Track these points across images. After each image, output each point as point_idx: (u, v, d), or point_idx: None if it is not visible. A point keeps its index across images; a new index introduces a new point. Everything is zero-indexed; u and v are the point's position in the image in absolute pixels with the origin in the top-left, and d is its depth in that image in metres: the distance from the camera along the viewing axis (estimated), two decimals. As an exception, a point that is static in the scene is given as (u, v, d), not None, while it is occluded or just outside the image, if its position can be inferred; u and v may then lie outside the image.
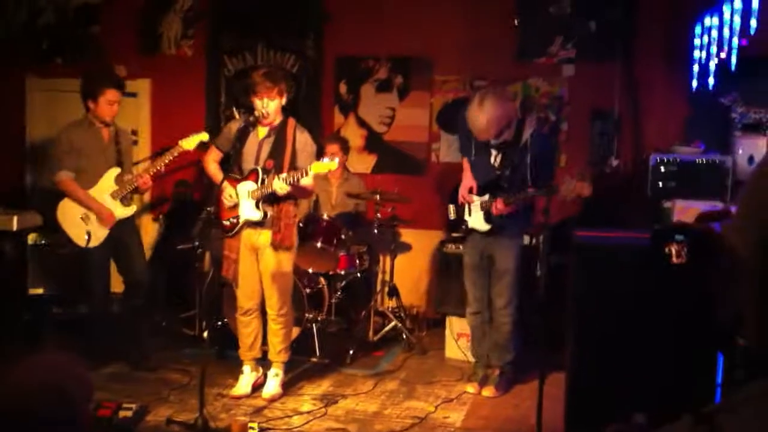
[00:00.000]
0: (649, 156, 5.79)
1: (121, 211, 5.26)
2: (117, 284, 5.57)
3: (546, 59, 6.48)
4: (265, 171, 4.75)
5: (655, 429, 3.19)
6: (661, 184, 5.75)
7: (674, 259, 3.59)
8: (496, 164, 4.93)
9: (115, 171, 5.26)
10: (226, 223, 4.87)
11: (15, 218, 5.74)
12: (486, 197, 4.91)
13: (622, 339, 3.88)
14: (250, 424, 4.23)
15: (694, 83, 5.73)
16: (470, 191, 5.00)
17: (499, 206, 4.78)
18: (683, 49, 5.88)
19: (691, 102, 6.07)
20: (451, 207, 5.19)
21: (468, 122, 4.77)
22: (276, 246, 4.80)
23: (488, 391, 5.02)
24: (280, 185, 4.61)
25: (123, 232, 5.30)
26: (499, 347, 5.06)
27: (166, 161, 5.22)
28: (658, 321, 3.85)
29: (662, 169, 5.75)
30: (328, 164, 4.53)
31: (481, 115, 4.65)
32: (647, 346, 3.85)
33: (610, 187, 6.27)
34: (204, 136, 5.18)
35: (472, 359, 5.34)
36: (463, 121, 4.91)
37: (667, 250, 3.60)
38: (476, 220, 4.99)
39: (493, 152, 4.93)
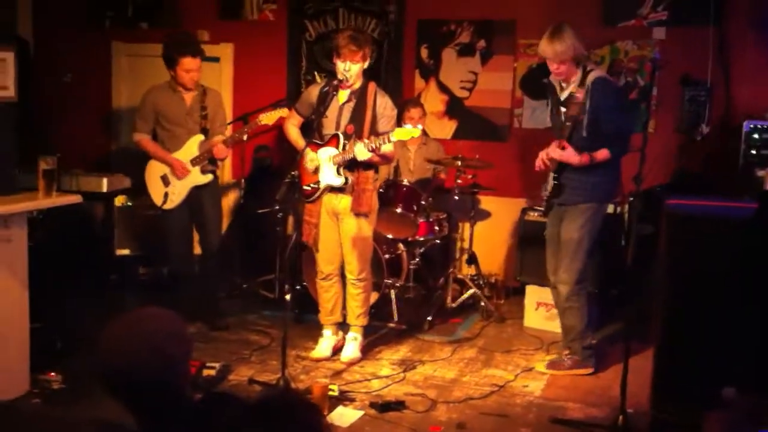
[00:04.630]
0: (742, 123, 5.57)
1: (199, 179, 5.34)
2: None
3: (636, 21, 6.26)
4: (346, 136, 4.73)
5: (746, 403, 3.09)
6: (754, 151, 5.55)
7: None
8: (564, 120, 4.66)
9: (198, 138, 5.33)
10: (307, 188, 4.87)
11: (105, 180, 5.90)
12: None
13: (714, 311, 3.75)
14: (330, 386, 4.26)
15: (790, 48, 5.49)
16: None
17: (552, 150, 4.53)
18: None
19: (786, 67, 5.80)
20: (545, 184, 4.94)
21: (541, 53, 4.65)
22: (355, 212, 4.79)
23: (543, 365, 4.88)
24: (361, 151, 4.58)
25: (202, 198, 5.39)
26: (565, 316, 4.81)
27: (245, 133, 5.30)
28: (754, 293, 3.71)
29: (755, 136, 5.54)
30: (411, 131, 4.47)
31: (554, 43, 4.52)
32: (741, 319, 3.72)
33: (700, 154, 6.06)
34: (284, 113, 5.17)
35: (557, 330, 5.21)
36: (550, 86, 4.80)
37: None
38: (549, 184, 4.75)
39: (563, 108, 4.66)
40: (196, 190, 5.36)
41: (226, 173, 7.24)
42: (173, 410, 2.15)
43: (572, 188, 4.64)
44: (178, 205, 5.34)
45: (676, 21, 6.15)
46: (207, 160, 5.32)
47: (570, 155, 4.53)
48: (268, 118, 5.16)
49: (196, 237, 5.63)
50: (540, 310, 5.63)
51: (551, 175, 4.73)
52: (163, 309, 2.18)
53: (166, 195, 5.30)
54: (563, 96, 4.68)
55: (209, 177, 5.41)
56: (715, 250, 3.78)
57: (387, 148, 4.67)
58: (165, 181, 5.32)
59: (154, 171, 5.36)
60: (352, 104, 4.77)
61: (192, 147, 5.32)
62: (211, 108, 5.41)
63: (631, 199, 5.18)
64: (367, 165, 4.76)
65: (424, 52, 6.89)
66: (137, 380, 2.05)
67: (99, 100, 7.66)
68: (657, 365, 4.03)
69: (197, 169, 5.32)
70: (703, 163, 6.05)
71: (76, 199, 4.57)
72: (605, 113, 4.51)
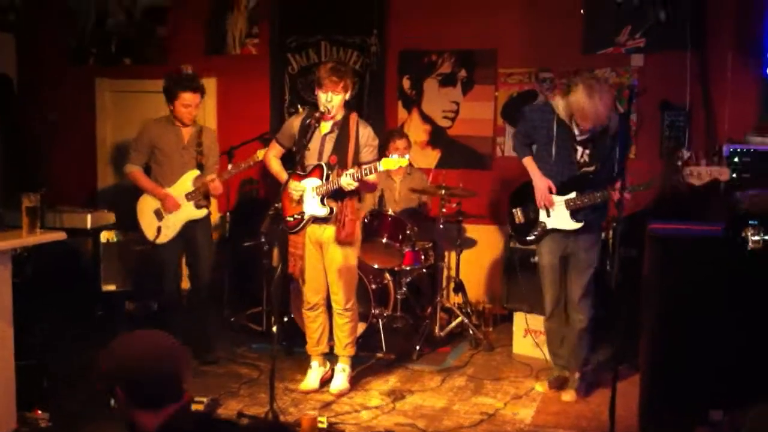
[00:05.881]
0: (722, 147, 5.63)
1: (193, 213, 5.35)
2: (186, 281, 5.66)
3: (614, 49, 6.35)
4: (330, 167, 4.75)
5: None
6: (735, 175, 5.59)
7: (751, 244, 3.53)
8: (583, 159, 4.66)
9: (193, 173, 5.35)
10: (291, 219, 4.88)
11: (89, 217, 5.89)
12: (573, 195, 4.68)
13: (698, 333, 3.78)
14: (319, 419, 4.24)
15: (768, 71, 5.58)
16: (550, 191, 4.76)
17: (627, 197, 4.37)
18: (756, 36, 5.71)
19: (765, 90, 5.87)
20: (518, 211, 4.99)
21: (575, 111, 4.52)
22: (340, 241, 4.81)
23: (569, 396, 4.83)
24: (347, 181, 4.60)
25: (195, 232, 5.40)
26: (576, 346, 4.85)
27: (240, 169, 5.33)
28: (736, 314, 3.75)
29: (736, 159, 5.59)
30: (399, 161, 4.49)
31: (597, 104, 4.40)
32: (725, 340, 3.75)
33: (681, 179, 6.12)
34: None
35: (546, 357, 5.24)
36: (543, 116, 4.75)
37: (743, 234, 3.54)
38: (560, 220, 4.74)
39: (579, 148, 4.66)
40: (190, 225, 5.36)
41: (213, 207, 7.23)
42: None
43: (591, 219, 4.71)
44: (171, 239, 5.34)
45: (653, 47, 6.25)
46: (202, 195, 5.34)
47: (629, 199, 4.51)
48: (263, 154, 5.18)
49: (184, 271, 5.62)
50: (528, 337, 5.64)
51: (560, 211, 4.75)
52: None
53: (159, 229, 5.28)
54: (582, 136, 4.64)
55: (204, 212, 5.42)
56: (697, 273, 3.84)
57: (372, 177, 4.69)
58: (158, 215, 5.31)
59: (147, 205, 5.36)
60: (334, 135, 4.80)
61: (186, 182, 5.33)
62: (207, 145, 5.44)
63: (615, 224, 5.24)
64: (351, 194, 4.78)
65: (406, 83, 6.96)
66: (138, 379, 2.25)
67: (83, 135, 7.67)
68: (644, 389, 4.05)
69: (192, 204, 5.33)
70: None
71: (59, 236, 4.57)
72: (625, 150, 4.68)
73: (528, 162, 4.89)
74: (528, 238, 4.94)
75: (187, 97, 5.26)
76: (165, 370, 2.29)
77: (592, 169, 4.66)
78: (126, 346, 2.32)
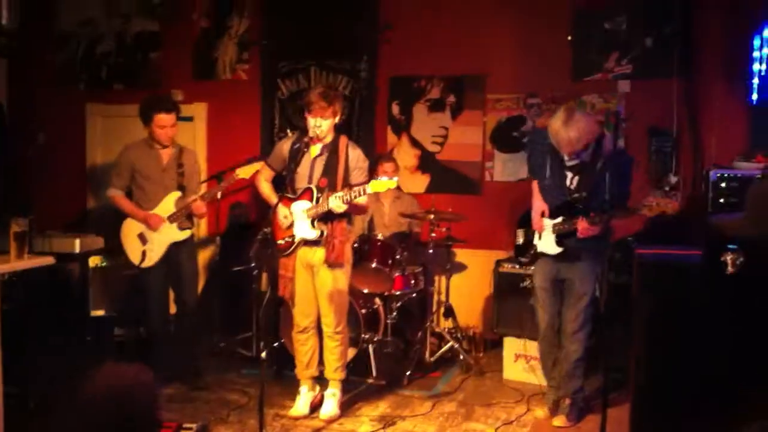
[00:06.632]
0: (709, 172, 5.68)
1: (176, 235, 5.35)
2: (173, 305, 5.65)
3: (601, 75, 6.41)
4: (319, 189, 4.77)
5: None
6: (722, 200, 5.63)
7: (730, 269, 3.55)
8: (572, 186, 4.66)
9: (175, 194, 5.36)
10: (281, 242, 4.89)
11: (77, 241, 5.86)
12: (559, 220, 4.70)
13: (687, 357, 3.79)
14: (309, 445, 4.22)
15: (755, 96, 5.62)
16: (542, 215, 4.79)
17: (583, 227, 4.52)
18: (742, 62, 5.77)
19: (751, 116, 5.94)
20: (520, 232, 4.99)
21: (552, 137, 4.54)
22: (330, 264, 4.81)
23: (559, 421, 4.80)
24: (337, 203, 4.61)
25: (179, 255, 5.40)
26: (569, 375, 4.82)
27: (222, 189, 5.33)
28: (724, 337, 3.76)
29: (723, 185, 5.62)
30: (387, 182, 4.49)
31: (569, 130, 4.43)
32: (713, 363, 3.76)
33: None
34: (260, 166, 5.19)
35: (537, 382, 5.23)
36: (540, 140, 4.78)
37: (722, 260, 3.57)
38: (546, 244, 4.77)
39: (569, 174, 4.67)
40: (174, 247, 5.36)
41: (203, 231, 7.23)
42: None
43: (577, 247, 4.67)
44: (156, 263, 5.33)
45: (640, 74, 6.30)
46: (185, 216, 5.34)
47: (588, 231, 4.56)
48: (244, 172, 5.19)
49: (171, 296, 5.61)
50: (519, 361, 5.64)
51: (547, 235, 4.76)
52: (130, 364, 2.39)
53: (144, 253, 5.29)
54: (571, 162, 4.66)
55: (187, 233, 5.42)
56: (681, 297, 3.85)
57: (362, 199, 4.70)
58: (142, 239, 5.32)
59: (131, 230, 5.36)
60: (324, 158, 4.82)
61: (168, 204, 5.34)
62: (188, 166, 5.46)
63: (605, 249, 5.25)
64: (341, 216, 4.79)
65: (395, 108, 6.99)
66: (102, 425, 2.24)
67: (74, 160, 7.66)
68: (634, 415, 4.05)
69: (174, 226, 5.34)
70: (674, 213, 6.14)
71: (47, 261, 4.57)
72: (621, 182, 4.56)
73: (534, 185, 4.94)
74: (522, 259, 5.05)
75: (161, 117, 5.31)
76: (127, 413, 2.27)
77: (579, 196, 4.65)
78: (85, 393, 2.30)
